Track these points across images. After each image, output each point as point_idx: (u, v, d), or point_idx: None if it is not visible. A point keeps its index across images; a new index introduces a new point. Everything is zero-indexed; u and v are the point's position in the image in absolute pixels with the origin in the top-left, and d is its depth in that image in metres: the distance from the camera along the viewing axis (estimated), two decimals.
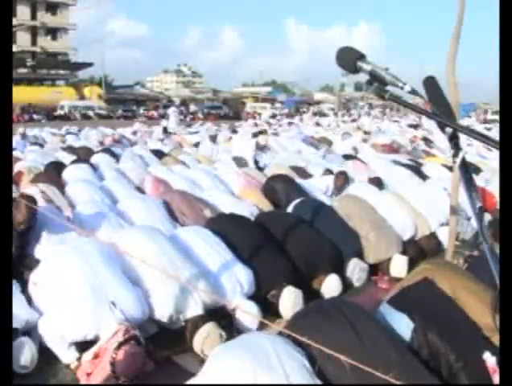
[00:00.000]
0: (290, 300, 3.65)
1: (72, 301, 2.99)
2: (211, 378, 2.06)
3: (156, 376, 2.87)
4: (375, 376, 1.98)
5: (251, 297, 3.66)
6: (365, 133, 16.48)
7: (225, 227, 4.25)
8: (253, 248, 3.97)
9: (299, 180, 6.64)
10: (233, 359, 2.07)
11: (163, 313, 3.22)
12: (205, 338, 3.11)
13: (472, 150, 10.63)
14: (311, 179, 7.03)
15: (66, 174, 7.06)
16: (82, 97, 44.18)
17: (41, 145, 12.40)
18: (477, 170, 8.10)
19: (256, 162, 9.01)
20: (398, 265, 4.53)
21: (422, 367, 2.35)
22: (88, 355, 2.83)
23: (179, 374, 2.85)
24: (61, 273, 3.14)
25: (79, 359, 2.90)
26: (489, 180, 7.24)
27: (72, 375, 2.86)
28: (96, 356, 2.80)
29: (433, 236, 5.22)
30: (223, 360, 2.10)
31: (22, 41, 48.48)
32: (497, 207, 6.14)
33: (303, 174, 7.51)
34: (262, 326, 3.33)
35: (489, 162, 9.36)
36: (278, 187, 6.10)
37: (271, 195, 6.05)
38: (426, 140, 14.08)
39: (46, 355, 2.97)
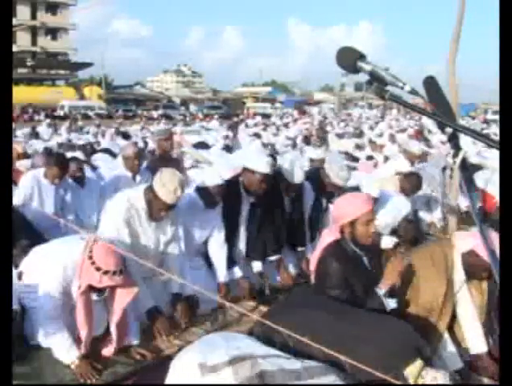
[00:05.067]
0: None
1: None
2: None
3: (156, 376, 2.87)
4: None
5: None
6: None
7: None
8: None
9: None
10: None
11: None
12: None
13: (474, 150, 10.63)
14: None
15: None
16: (82, 97, 44.19)
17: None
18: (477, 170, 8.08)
19: None
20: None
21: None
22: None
23: None
24: (44, 260, 3.13)
25: (79, 358, 2.90)
26: (489, 179, 7.25)
27: (72, 375, 2.86)
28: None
29: (411, 221, 5.04)
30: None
31: (22, 41, 48.47)
32: (497, 207, 6.13)
33: None
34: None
35: (489, 161, 9.35)
36: None
37: None
38: (425, 140, 14.08)
39: (46, 354, 2.97)
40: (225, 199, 3.99)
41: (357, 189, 4.82)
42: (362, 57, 1.17)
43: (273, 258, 4.34)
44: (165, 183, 3.25)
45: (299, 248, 4.63)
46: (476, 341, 3.01)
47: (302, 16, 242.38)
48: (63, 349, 2.91)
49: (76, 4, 53.73)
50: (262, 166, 4.04)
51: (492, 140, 1.11)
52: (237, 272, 4.10)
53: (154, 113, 37.75)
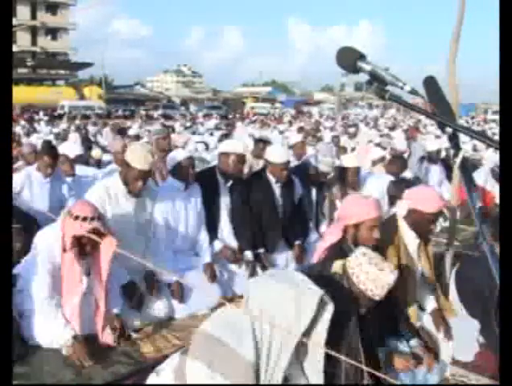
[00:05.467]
0: None
1: None
2: None
3: None
4: None
5: None
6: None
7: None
8: None
9: None
10: None
11: None
12: None
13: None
14: None
15: None
16: (82, 97, 44.11)
17: None
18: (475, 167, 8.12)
19: None
20: None
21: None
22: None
23: None
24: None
25: (73, 339, 2.96)
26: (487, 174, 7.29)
27: (71, 376, 2.86)
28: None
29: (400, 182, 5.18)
30: None
31: (22, 41, 48.46)
32: (495, 201, 6.17)
33: None
34: None
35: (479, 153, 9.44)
36: None
37: None
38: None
39: (45, 354, 2.98)
40: (202, 187, 4.11)
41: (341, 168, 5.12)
42: (362, 57, 1.17)
43: (259, 251, 4.36)
44: (134, 151, 3.55)
45: (297, 242, 4.59)
46: (428, 301, 3.21)
47: (302, 16, 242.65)
48: (57, 328, 2.97)
49: (76, 4, 53.82)
50: (235, 146, 4.26)
51: (492, 140, 1.11)
52: (217, 245, 4.18)
53: (155, 114, 37.72)
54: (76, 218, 2.95)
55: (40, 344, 3.03)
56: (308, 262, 4.32)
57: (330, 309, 1.83)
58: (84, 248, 3.02)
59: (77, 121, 20.69)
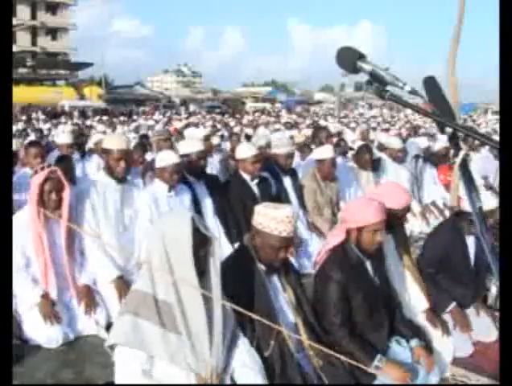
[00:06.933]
0: None
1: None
2: None
3: None
4: None
5: None
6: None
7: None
8: None
9: None
10: None
11: None
12: None
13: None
14: None
15: None
16: (82, 97, 44.10)
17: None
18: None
19: None
20: None
21: None
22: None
23: None
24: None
25: (42, 297, 3.14)
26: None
27: (72, 375, 2.86)
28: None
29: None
30: None
31: (22, 41, 48.45)
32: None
33: None
34: None
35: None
36: None
37: None
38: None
39: (45, 354, 2.98)
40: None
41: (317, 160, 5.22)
42: (362, 57, 1.17)
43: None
44: (109, 137, 4.01)
45: None
46: (419, 300, 3.18)
47: (302, 16, 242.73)
48: (27, 288, 3.14)
49: (76, 4, 53.76)
50: (193, 146, 4.39)
51: (492, 140, 1.11)
52: None
53: (156, 115, 37.78)
54: (36, 172, 3.37)
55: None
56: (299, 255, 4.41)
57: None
58: (50, 196, 3.26)
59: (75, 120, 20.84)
